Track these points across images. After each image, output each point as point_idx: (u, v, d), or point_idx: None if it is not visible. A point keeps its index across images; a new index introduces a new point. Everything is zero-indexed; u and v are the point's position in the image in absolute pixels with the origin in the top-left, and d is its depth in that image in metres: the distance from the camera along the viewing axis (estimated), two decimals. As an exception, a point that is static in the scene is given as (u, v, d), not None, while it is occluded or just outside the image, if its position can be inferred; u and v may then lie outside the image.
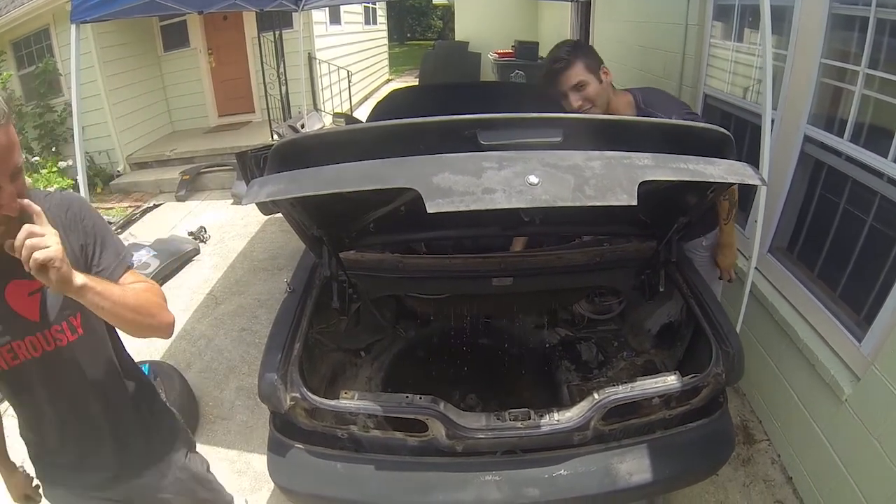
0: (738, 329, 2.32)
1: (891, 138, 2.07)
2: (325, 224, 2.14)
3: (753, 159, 2.35)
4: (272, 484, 2.67)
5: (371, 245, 2.54)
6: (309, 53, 8.04)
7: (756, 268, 2.92)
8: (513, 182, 1.34)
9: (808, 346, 2.47)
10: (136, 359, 3.23)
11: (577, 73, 2.31)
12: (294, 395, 1.92)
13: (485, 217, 2.18)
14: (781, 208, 2.85)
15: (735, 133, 3.26)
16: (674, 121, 1.87)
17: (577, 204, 1.35)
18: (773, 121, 2.78)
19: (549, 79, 2.39)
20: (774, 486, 2.65)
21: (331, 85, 8.95)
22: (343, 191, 1.48)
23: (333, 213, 2.12)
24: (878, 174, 2.16)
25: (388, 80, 14.30)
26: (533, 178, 1.34)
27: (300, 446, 2.01)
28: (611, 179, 1.40)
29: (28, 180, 4.20)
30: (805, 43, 2.61)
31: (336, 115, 7.12)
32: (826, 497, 2.38)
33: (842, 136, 2.38)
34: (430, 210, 1.29)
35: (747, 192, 2.65)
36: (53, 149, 6.93)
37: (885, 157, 2.10)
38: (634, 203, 1.36)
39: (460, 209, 1.30)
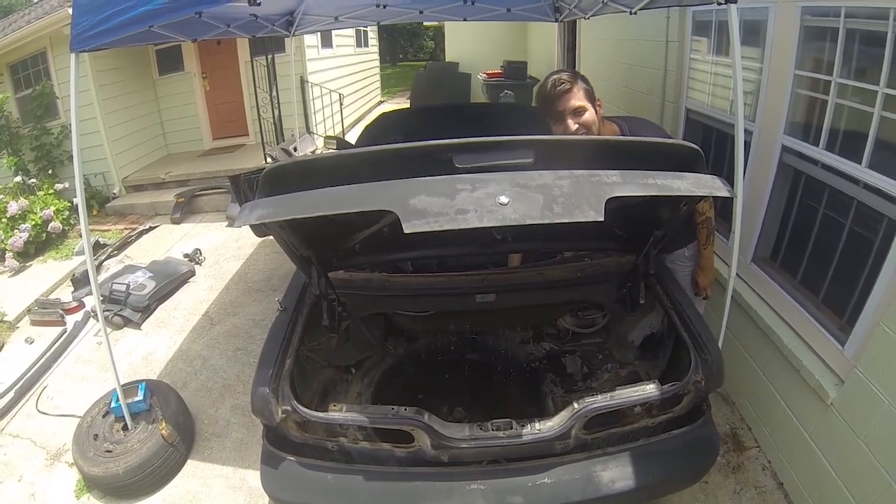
0: (721, 338, 2.37)
1: (864, 145, 2.13)
2: (313, 245, 2.23)
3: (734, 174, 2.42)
4: (266, 500, 2.75)
5: (358, 265, 2.61)
6: (301, 77, 8.14)
7: (740, 277, 2.99)
8: (484, 202, 1.43)
9: (792, 352, 2.51)
10: (132, 378, 3.33)
11: (578, 97, 2.33)
12: (285, 408, 1.99)
13: (463, 236, 2.27)
14: (763, 218, 2.89)
15: (717, 146, 3.39)
16: (642, 138, 1.95)
17: (546, 221, 1.43)
18: (751, 132, 2.87)
19: (548, 100, 2.39)
20: (765, 492, 2.68)
21: (323, 108, 9.06)
22: (327, 213, 1.57)
23: (321, 234, 2.20)
24: (854, 181, 2.21)
25: (381, 102, 14.44)
26: (503, 199, 1.43)
27: (292, 458, 2.07)
28: (578, 197, 1.49)
29: (25, 202, 4.29)
30: (779, 55, 2.66)
31: (328, 137, 7.22)
32: (817, 501, 2.41)
33: (818, 145, 2.42)
34: (406, 230, 1.38)
35: (728, 204, 2.72)
36: (50, 171, 6.99)
37: (860, 163, 2.15)
38: (601, 219, 1.44)
39: (435, 229, 1.39)
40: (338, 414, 1.97)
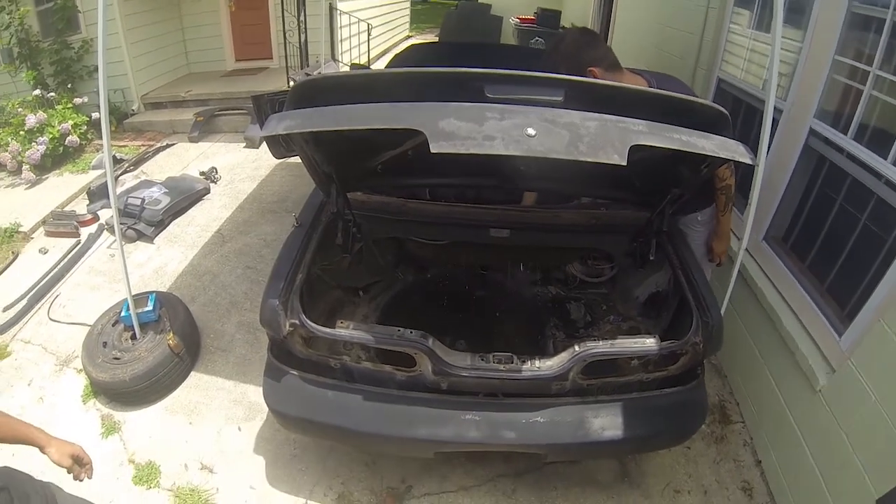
0: (723, 309, 2.37)
1: (892, 141, 2.10)
2: (335, 163, 2.24)
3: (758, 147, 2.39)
4: (265, 414, 2.86)
5: (378, 187, 2.64)
6: (330, 4, 7.95)
7: (750, 253, 2.99)
8: (512, 132, 1.43)
9: (790, 335, 2.53)
10: (143, 290, 3.41)
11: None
12: (293, 321, 2.04)
13: (486, 165, 2.27)
14: (780, 198, 2.88)
15: (744, 120, 3.33)
16: (673, 93, 1.93)
17: (570, 157, 1.44)
18: (780, 111, 2.82)
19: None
20: (743, 467, 2.75)
21: (350, 37, 8.85)
22: (355, 128, 1.58)
23: (344, 152, 2.21)
24: (877, 175, 2.18)
25: (409, 37, 14.11)
26: (531, 130, 1.43)
27: (295, 373, 2.14)
28: (604, 139, 1.49)
29: (43, 115, 4.28)
30: (821, 38, 2.61)
31: (354, 65, 7.10)
32: (791, 484, 2.47)
33: (846, 134, 2.39)
34: (433, 150, 1.39)
35: (747, 178, 2.70)
36: (69, 85, 6.91)
37: (885, 158, 2.13)
38: (623, 163, 1.44)
39: (460, 151, 1.40)
40: (344, 331, 2.02)
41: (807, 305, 2.54)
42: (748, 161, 1.72)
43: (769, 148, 2.82)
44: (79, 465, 1.69)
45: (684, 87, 2.56)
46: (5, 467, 1.60)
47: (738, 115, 3.47)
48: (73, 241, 4.44)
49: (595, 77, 2.29)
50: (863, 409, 2.01)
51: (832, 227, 2.55)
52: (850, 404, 2.10)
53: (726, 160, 1.94)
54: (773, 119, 2.70)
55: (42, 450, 1.62)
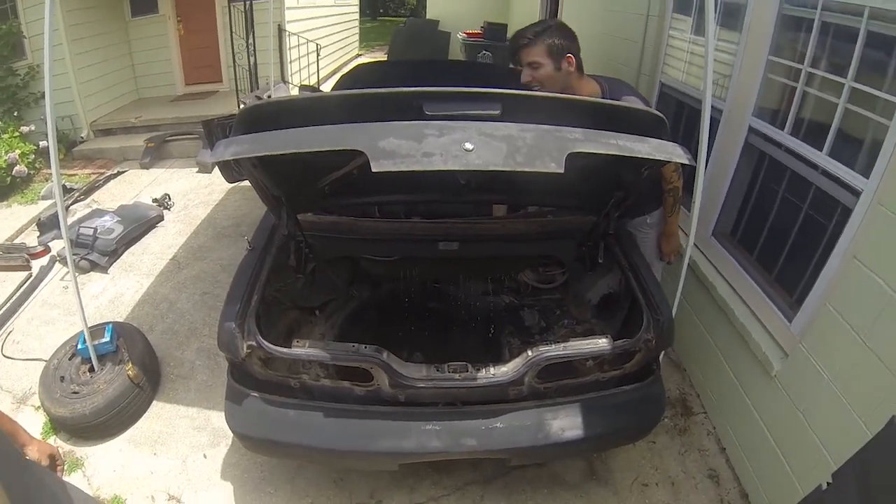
0: (676, 304, 2.46)
1: (826, 133, 2.21)
2: (284, 185, 2.27)
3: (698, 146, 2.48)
4: (230, 439, 2.83)
5: (327, 207, 2.66)
6: (279, 25, 7.93)
7: (699, 249, 3.09)
8: (450, 147, 1.48)
9: (743, 325, 2.62)
10: (99, 321, 3.33)
11: (535, 53, 2.39)
12: (251, 343, 2.04)
13: (431, 180, 2.32)
14: (725, 195, 2.98)
15: (687, 122, 3.47)
16: (609, 101, 2.00)
17: (508, 169, 1.49)
18: (720, 111, 2.94)
19: (511, 50, 2.50)
20: (708, 455, 2.83)
21: (299, 57, 8.85)
22: (300, 151, 1.60)
23: (292, 174, 2.24)
24: (814, 166, 2.29)
25: (358, 55, 14.15)
26: (468, 145, 1.49)
27: (255, 395, 2.14)
28: (540, 149, 1.55)
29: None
30: (755, 39, 2.71)
31: (303, 87, 7.10)
32: (755, 467, 2.55)
33: (783, 129, 2.50)
34: (374, 169, 1.43)
35: (693, 176, 2.80)
36: (15, 113, 6.72)
37: (821, 150, 2.24)
38: (561, 171, 1.50)
39: (401, 169, 1.44)
40: (301, 350, 2.03)
41: (757, 295, 2.63)
42: (685, 161, 1.79)
43: (711, 147, 2.94)
44: (54, 464, 1.72)
45: (636, 92, 2.66)
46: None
47: (682, 117, 3.60)
48: (24, 274, 4.31)
49: (571, 63, 2.40)
50: (817, 389, 2.09)
51: (776, 219, 2.65)
52: (805, 385, 2.19)
53: (664, 162, 2.02)
54: (714, 119, 2.82)
55: (23, 448, 1.62)
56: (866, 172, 1.99)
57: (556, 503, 2.58)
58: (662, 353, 2.36)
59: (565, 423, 2.14)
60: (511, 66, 2.85)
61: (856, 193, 2.04)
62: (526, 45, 2.40)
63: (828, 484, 1.37)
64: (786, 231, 2.55)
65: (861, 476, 1.26)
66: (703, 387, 3.14)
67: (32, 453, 1.63)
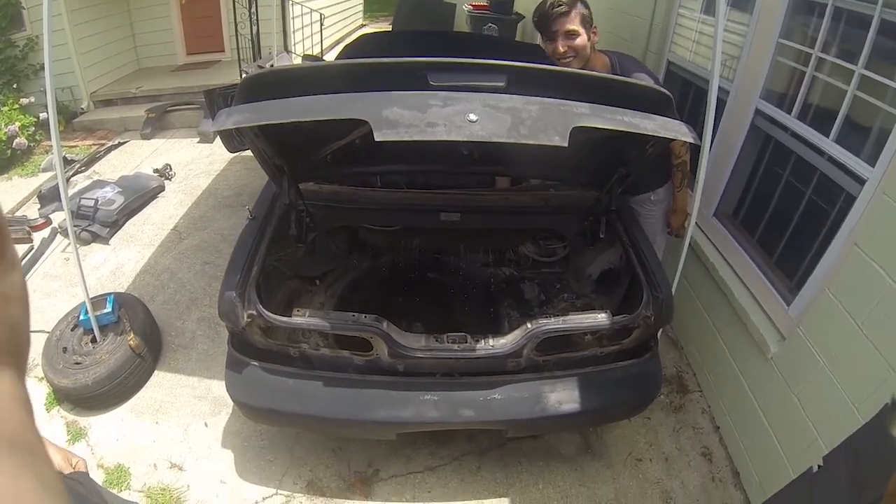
0: (676, 282, 2.47)
1: (834, 119, 2.19)
2: (286, 154, 2.26)
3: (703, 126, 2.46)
4: (230, 408, 2.86)
5: (328, 177, 2.66)
6: (282, -6, 7.84)
7: (701, 229, 3.09)
8: (454, 118, 1.48)
9: (741, 306, 2.63)
10: (101, 292, 3.35)
11: (573, 22, 2.38)
12: (251, 312, 2.05)
13: (434, 151, 2.31)
14: (728, 175, 2.97)
15: (693, 101, 3.43)
16: (616, 77, 1.98)
17: (511, 141, 1.49)
18: (727, 92, 2.91)
19: (544, 18, 2.44)
20: (702, 433, 2.86)
21: (303, 27, 8.70)
22: (302, 120, 1.60)
23: (294, 143, 2.23)
24: (820, 152, 2.29)
25: (363, 25, 13.94)
26: (473, 116, 1.48)
27: (255, 364, 2.16)
28: (545, 122, 1.54)
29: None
30: (766, 21, 2.69)
31: (306, 56, 7.01)
32: (748, 446, 2.58)
33: (790, 113, 2.48)
34: (377, 139, 1.43)
35: (697, 156, 2.79)
36: (14, 85, 6.64)
37: (828, 136, 2.23)
38: (565, 145, 1.50)
39: (404, 139, 1.44)
40: (301, 319, 2.05)
41: (757, 277, 2.63)
42: (690, 140, 1.79)
43: (717, 127, 2.91)
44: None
45: (646, 68, 2.64)
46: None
47: (688, 96, 3.57)
48: (25, 246, 4.30)
49: (596, 34, 2.41)
50: (812, 373, 2.11)
51: (779, 203, 2.65)
52: (800, 369, 2.20)
53: (669, 140, 2.01)
54: (721, 100, 2.79)
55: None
56: (872, 161, 1.98)
57: (552, 475, 2.62)
58: (661, 330, 2.37)
59: (562, 397, 2.17)
60: (537, 43, 2.81)
61: (860, 181, 2.02)
62: (563, 15, 2.38)
63: (819, 467, 1.39)
64: (788, 215, 2.55)
65: (852, 461, 1.28)
66: (700, 365, 3.17)
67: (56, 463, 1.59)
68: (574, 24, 2.37)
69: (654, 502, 2.54)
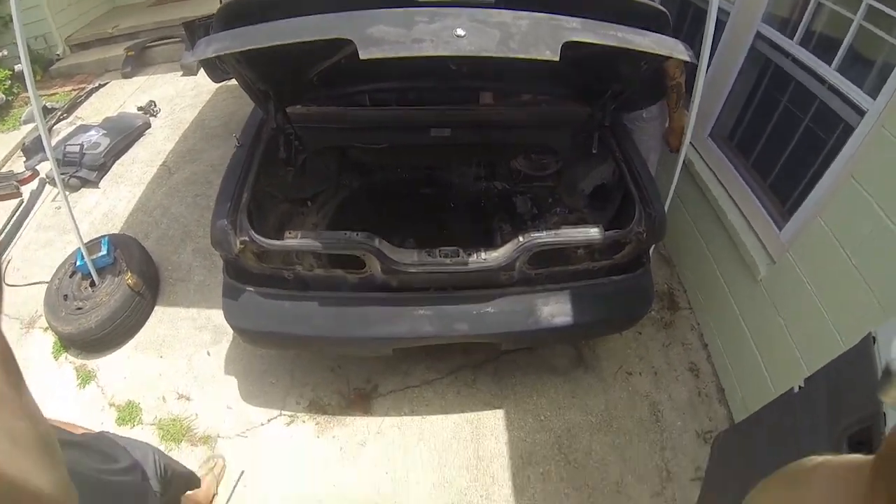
0: (668, 200, 2.47)
1: (837, 48, 2.13)
2: (270, 79, 2.23)
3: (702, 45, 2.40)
4: (230, 336, 2.93)
5: (315, 99, 2.63)
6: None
7: (696, 149, 3.07)
8: (441, 34, 1.46)
9: (734, 227, 2.64)
10: (94, 235, 3.35)
11: None
12: (243, 238, 2.06)
13: (423, 67, 2.27)
14: (725, 97, 2.92)
15: (692, 21, 3.33)
16: None
17: (500, 55, 1.47)
18: (728, 13, 2.81)
19: None
20: (691, 349, 2.94)
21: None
22: (283, 42, 1.57)
23: (278, 68, 2.20)
24: (821, 80, 2.23)
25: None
26: (460, 31, 1.46)
27: (251, 289, 2.19)
28: (535, 36, 1.52)
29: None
30: None
31: (287, -23, 6.74)
32: (734, 364, 2.66)
33: (792, 39, 2.40)
34: (362, 57, 1.42)
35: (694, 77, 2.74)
36: None
37: (830, 65, 2.17)
38: (556, 59, 1.48)
39: (389, 56, 1.42)
40: (293, 241, 2.06)
41: (750, 200, 2.64)
42: (686, 58, 1.76)
43: (715, 48, 2.84)
44: None
45: None
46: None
47: (686, 17, 3.46)
48: (15, 201, 4.26)
49: None
50: (799, 298, 2.15)
51: (776, 128, 2.62)
52: (788, 293, 2.24)
53: (664, 57, 1.98)
54: (721, 21, 2.70)
55: None
56: (874, 93, 1.93)
57: (545, 388, 2.72)
58: (653, 247, 2.39)
59: (555, 310, 2.21)
60: None
61: (860, 113, 1.99)
62: None
63: (799, 388, 1.43)
64: (784, 141, 2.52)
65: (832, 384, 1.32)
66: (691, 283, 3.22)
67: None
68: None
69: (643, 414, 2.64)
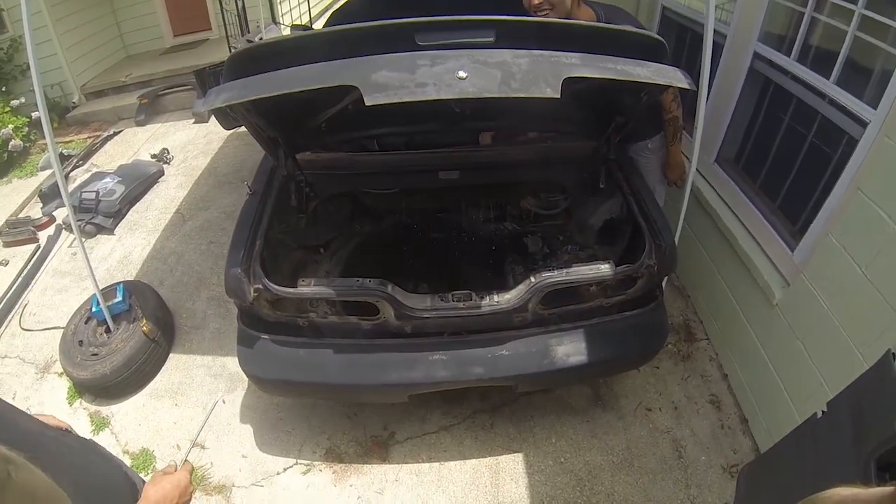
0: (678, 231, 2.45)
1: (834, 61, 2.14)
2: (280, 126, 2.27)
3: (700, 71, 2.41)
4: (246, 384, 2.92)
5: (325, 145, 2.66)
6: (265, -36, 7.68)
7: (703, 175, 3.07)
8: (443, 76, 1.47)
9: (745, 252, 2.61)
10: (110, 281, 3.39)
11: None
12: (257, 286, 2.07)
13: (428, 111, 2.29)
14: (729, 121, 2.93)
15: (690, 47, 3.37)
16: (606, 24, 1.94)
17: (503, 95, 1.48)
18: (724, 36, 2.85)
19: None
20: (711, 381, 2.89)
21: (289, -4, 8.60)
22: (292, 91, 1.59)
23: (287, 114, 2.24)
24: (821, 94, 2.22)
25: (351, -11, 13.68)
26: (462, 73, 1.47)
27: (266, 337, 2.19)
28: (536, 74, 1.53)
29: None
30: None
31: (295, 26, 6.90)
32: (755, 393, 2.60)
33: (789, 56, 2.43)
34: (368, 103, 1.43)
35: (695, 103, 2.75)
36: (3, 88, 6.54)
37: (828, 78, 2.18)
38: (557, 96, 1.48)
39: (394, 101, 1.43)
40: (306, 288, 2.07)
41: (760, 223, 2.61)
42: (685, 86, 1.76)
43: (714, 72, 2.87)
44: None
45: (632, 19, 2.59)
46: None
47: (685, 43, 3.49)
48: (32, 246, 4.33)
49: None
50: (817, 319, 2.11)
51: (781, 147, 2.61)
52: (805, 315, 2.20)
53: (664, 86, 1.98)
54: (718, 44, 2.74)
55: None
56: (874, 103, 1.93)
57: (563, 428, 2.67)
58: (665, 278, 2.36)
59: (570, 349, 2.18)
60: None
61: (863, 124, 1.99)
62: None
63: (822, 412, 1.40)
64: (790, 160, 2.51)
65: (855, 406, 1.29)
66: (707, 313, 3.18)
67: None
68: None
69: (665, 451, 2.58)
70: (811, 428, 1.43)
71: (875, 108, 1.92)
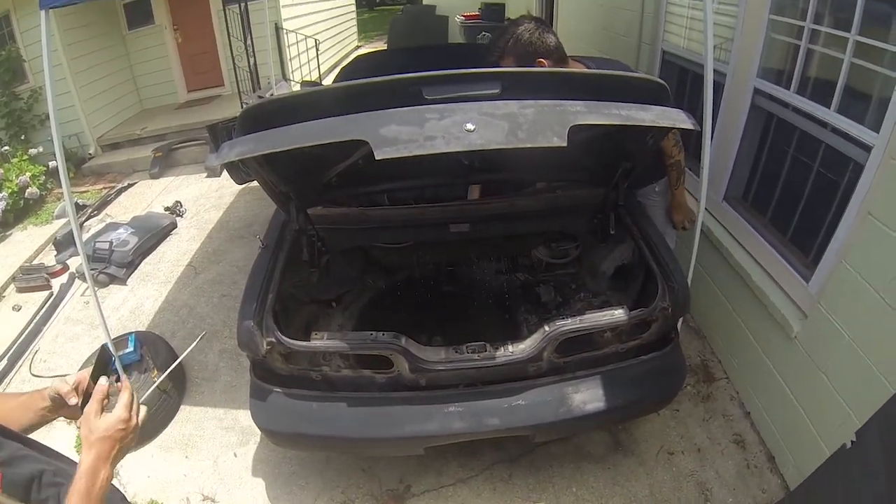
0: (691, 272, 2.42)
1: (833, 90, 2.18)
2: (291, 181, 2.29)
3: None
4: (258, 436, 2.87)
5: (335, 199, 2.68)
6: (276, 24, 7.93)
7: (712, 215, 3.07)
8: (451, 129, 1.49)
9: (760, 288, 2.60)
10: (122, 331, 3.39)
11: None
12: (270, 339, 2.07)
13: (437, 163, 2.32)
14: (734, 158, 2.95)
15: (692, 88, 3.43)
16: (609, 71, 1.97)
17: (511, 146, 1.50)
18: (724, 75, 2.90)
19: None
20: (733, 420, 2.82)
21: (299, 54, 8.85)
22: (302, 146, 1.62)
23: (298, 169, 2.27)
24: (823, 124, 2.27)
25: (358, 47, 14.10)
26: (470, 126, 1.49)
27: (278, 390, 2.17)
28: (542, 124, 1.55)
29: (-1, 170, 4.09)
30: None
31: (305, 83, 7.12)
32: (780, 429, 2.55)
33: (789, 89, 2.48)
34: (378, 157, 1.45)
35: (700, 144, 2.77)
36: (22, 137, 6.80)
37: (829, 107, 2.21)
38: (564, 145, 1.50)
39: (404, 155, 1.45)
40: (319, 342, 2.06)
41: (773, 257, 2.61)
42: (689, 127, 1.77)
43: (717, 111, 2.90)
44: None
45: (625, 68, 2.63)
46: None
47: (686, 84, 3.56)
48: (45, 293, 4.38)
49: (543, 65, 2.32)
50: (838, 348, 2.08)
51: (788, 179, 2.62)
52: (826, 345, 2.17)
53: (668, 129, 2.00)
54: (718, 83, 2.78)
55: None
56: (876, 127, 1.96)
57: (584, 477, 2.60)
58: (681, 320, 2.33)
59: (587, 397, 2.14)
60: None
61: (867, 149, 2.00)
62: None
63: (852, 442, 1.37)
64: (798, 191, 2.52)
65: (885, 432, 1.26)
66: (724, 352, 3.14)
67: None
68: (508, 66, 2.30)
69: (690, 495, 2.50)
70: (841, 459, 1.39)
71: (877, 131, 1.95)
